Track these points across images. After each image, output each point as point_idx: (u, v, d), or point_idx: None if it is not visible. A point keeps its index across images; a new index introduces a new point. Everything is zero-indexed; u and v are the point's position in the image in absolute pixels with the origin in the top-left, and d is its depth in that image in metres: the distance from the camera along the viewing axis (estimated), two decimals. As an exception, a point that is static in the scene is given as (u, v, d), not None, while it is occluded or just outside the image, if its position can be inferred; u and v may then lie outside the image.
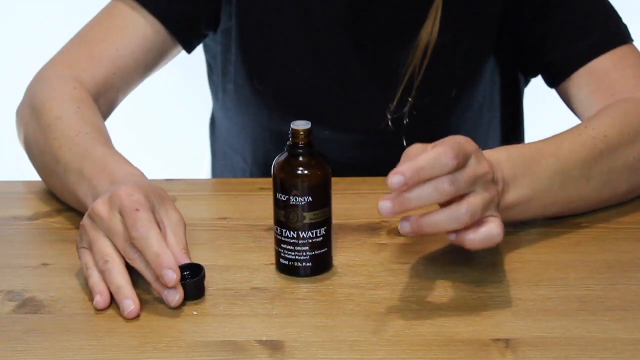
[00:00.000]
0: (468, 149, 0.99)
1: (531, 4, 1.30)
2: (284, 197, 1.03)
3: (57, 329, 0.98)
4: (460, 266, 1.08)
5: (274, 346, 0.94)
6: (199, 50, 1.42)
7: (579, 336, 0.95)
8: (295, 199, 1.03)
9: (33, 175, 1.27)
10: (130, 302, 0.99)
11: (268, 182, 1.29)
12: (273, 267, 1.08)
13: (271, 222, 1.07)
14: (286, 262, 1.05)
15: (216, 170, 1.54)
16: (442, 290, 1.03)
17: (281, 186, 1.03)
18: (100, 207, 1.03)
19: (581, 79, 1.28)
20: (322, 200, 1.04)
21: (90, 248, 1.03)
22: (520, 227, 1.15)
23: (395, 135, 1.32)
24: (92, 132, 1.18)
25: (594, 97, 1.26)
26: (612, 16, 1.30)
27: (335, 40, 1.33)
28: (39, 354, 0.94)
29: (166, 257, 0.99)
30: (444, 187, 0.96)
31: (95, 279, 1.02)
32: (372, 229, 1.16)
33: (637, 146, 1.17)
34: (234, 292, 1.03)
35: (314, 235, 1.04)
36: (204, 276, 1.02)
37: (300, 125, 1.03)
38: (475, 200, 0.98)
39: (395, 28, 1.31)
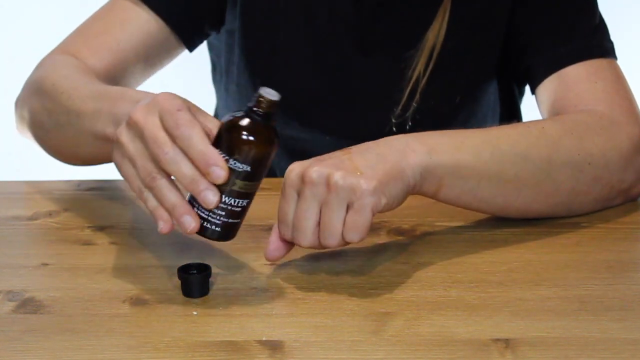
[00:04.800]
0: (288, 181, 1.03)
1: (523, 10, 1.30)
2: (224, 157, 0.96)
3: (57, 329, 0.98)
4: (460, 266, 1.08)
5: (274, 346, 0.94)
6: (203, 47, 1.42)
7: (579, 336, 0.95)
8: (235, 163, 0.97)
9: (33, 176, 1.27)
10: (189, 218, 0.97)
11: (268, 182, 1.29)
12: (273, 267, 1.08)
13: (271, 222, 1.07)
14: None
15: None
16: (442, 290, 1.03)
17: (226, 146, 0.97)
18: (137, 112, 0.98)
19: (552, 85, 1.26)
20: (258, 174, 0.99)
21: (133, 164, 0.99)
22: (520, 227, 1.16)
23: None
24: (100, 83, 1.17)
25: (558, 105, 1.24)
26: (600, 31, 1.28)
27: (341, 45, 1.33)
28: (39, 354, 0.94)
29: (214, 154, 0.95)
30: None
31: (153, 202, 0.98)
32: (372, 229, 1.15)
33: (582, 145, 1.14)
34: (234, 292, 1.03)
35: (235, 204, 0.99)
36: (210, 274, 1.02)
37: (270, 94, 0.98)
38: (325, 220, 1.01)
39: (401, 33, 1.31)
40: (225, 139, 0.98)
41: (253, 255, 1.10)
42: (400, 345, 0.94)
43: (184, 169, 0.96)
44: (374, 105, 1.34)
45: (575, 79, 1.24)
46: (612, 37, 1.29)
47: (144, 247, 1.13)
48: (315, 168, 1.01)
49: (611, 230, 1.16)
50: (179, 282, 1.02)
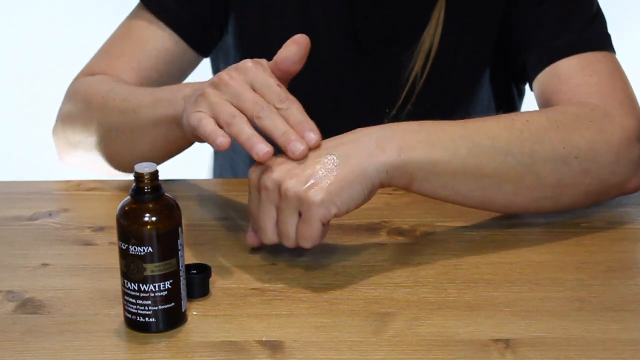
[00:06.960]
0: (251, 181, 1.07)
1: (518, 7, 1.29)
2: (124, 246, 0.95)
3: (57, 329, 0.98)
4: (461, 266, 1.08)
5: (274, 346, 0.94)
6: None
7: (579, 336, 0.96)
8: (135, 248, 0.95)
9: (33, 176, 1.27)
10: (263, 145, 1.03)
11: (268, 182, 1.29)
12: (273, 267, 1.08)
13: (271, 222, 1.07)
14: (129, 316, 0.97)
15: (216, 171, 1.54)
16: (442, 290, 1.03)
17: (121, 234, 0.96)
18: (225, 74, 1.06)
19: (546, 78, 1.24)
20: (166, 251, 0.95)
21: (211, 111, 1.06)
22: (520, 227, 1.16)
23: None
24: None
25: (553, 99, 1.22)
26: (596, 23, 1.26)
27: (336, 47, 1.32)
28: (39, 354, 0.94)
29: (311, 123, 1.05)
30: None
31: (248, 131, 1.04)
32: (372, 229, 1.16)
33: (569, 138, 1.12)
34: (234, 292, 1.03)
35: (157, 289, 0.96)
36: (210, 274, 1.02)
37: (145, 168, 0.95)
38: (281, 227, 1.04)
39: (396, 34, 1.31)
40: (120, 228, 0.96)
41: (253, 255, 1.10)
42: (400, 346, 0.94)
43: (279, 123, 1.04)
44: (369, 107, 1.34)
45: (569, 72, 1.22)
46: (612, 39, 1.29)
47: (144, 247, 1.13)
48: (268, 175, 1.04)
49: (611, 231, 1.16)
50: (179, 282, 1.02)
